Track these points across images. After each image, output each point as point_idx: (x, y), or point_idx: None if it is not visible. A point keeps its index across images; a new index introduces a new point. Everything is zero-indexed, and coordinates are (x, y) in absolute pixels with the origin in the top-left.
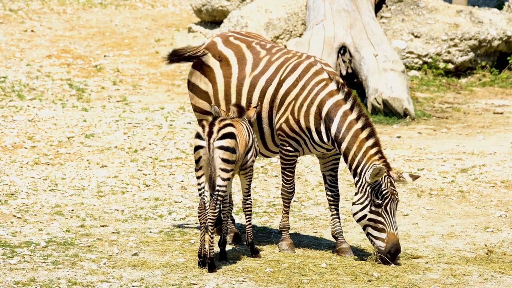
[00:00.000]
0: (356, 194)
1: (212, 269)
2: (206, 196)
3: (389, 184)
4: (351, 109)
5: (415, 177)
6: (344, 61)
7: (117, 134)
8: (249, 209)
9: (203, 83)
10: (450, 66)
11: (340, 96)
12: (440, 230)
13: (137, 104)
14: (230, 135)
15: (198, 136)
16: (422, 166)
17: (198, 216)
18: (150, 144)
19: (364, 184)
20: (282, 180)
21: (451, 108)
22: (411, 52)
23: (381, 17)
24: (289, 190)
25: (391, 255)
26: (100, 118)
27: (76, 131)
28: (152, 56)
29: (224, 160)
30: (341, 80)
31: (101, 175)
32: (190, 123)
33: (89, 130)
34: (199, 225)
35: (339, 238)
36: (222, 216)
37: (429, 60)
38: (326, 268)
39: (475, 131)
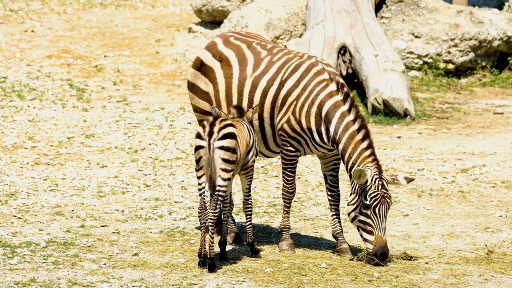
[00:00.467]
0: (350, 194)
1: (212, 269)
2: (207, 196)
3: (379, 186)
4: (349, 110)
5: (409, 180)
6: (344, 61)
7: (117, 134)
8: (250, 209)
9: (203, 84)
10: (451, 66)
11: (339, 97)
12: (440, 230)
13: (137, 104)
14: (231, 135)
15: (198, 136)
16: (422, 166)
17: (199, 216)
18: (150, 144)
19: (356, 186)
20: (283, 180)
21: (452, 108)
22: (411, 52)
23: (382, 17)
24: (289, 190)
25: (377, 258)
26: (100, 118)
27: (76, 131)
28: (153, 56)
29: (224, 160)
30: (341, 80)
31: (101, 175)
32: (190, 123)
33: (89, 130)
34: (199, 225)
35: (339, 238)
36: (222, 216)
37: (429, 60)
38: (326, 268)
39: (475, 131)
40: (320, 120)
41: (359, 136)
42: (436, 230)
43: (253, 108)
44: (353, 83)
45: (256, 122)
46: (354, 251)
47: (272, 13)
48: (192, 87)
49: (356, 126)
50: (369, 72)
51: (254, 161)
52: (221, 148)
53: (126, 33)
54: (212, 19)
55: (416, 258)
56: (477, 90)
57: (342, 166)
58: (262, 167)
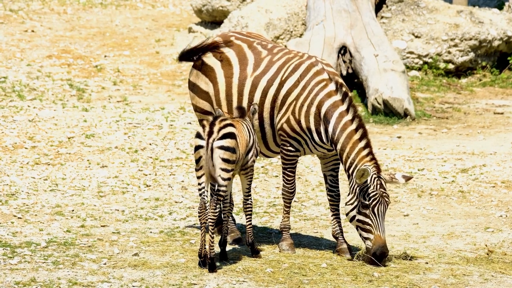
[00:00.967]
0: (348, 194)
1: (212, 269)
2: (207, 196)
3: (378, 186)
4: (347, 110)
5: (408, 178)
6: (344, 61)
7: (117, 134)
8: (250, 209)
9: (203, 83)
10: (451, 66)
11: (338, 97)
12: (440, 230)
13: (137, 104)
14: (231, 135)
15: (198, 135)
16: (422, 166)
17: (199, 216)
18: (150, 144)
19: (355, 185)
20: (283, 180)
21: (452, 108)
22: (411, 52)
23: (382, 17)
24: (290, 190)
25: (376, 257)
26: (100, 118)
27: (76, 131)
28: (153, 56)
29: (224, 160)
30: (340, 80)
31: (101, 175)
32: (190, 123)
33: (90, 130)
34: (199, 225)
35: (339, 238)
36: (222, 216)
37: (430, 60)
38: (327, 268)
39: (475, 131)
40: (319, 120)
41: (357, 135)
42: (436, 230)
43: (249, 106)
44: (353, 83)
45: (256, 122)
46: (354, 251)
47: (272, 13)
48: (193, 87)
49: (354, 125)
50: (369, 72)
51: (254, 161)
52: (221, 148)
53: (126, 33)
54: (212, 19)
55: (416, 258)
56: (477, 90)
57: (341, 166)
58: (262, 167)
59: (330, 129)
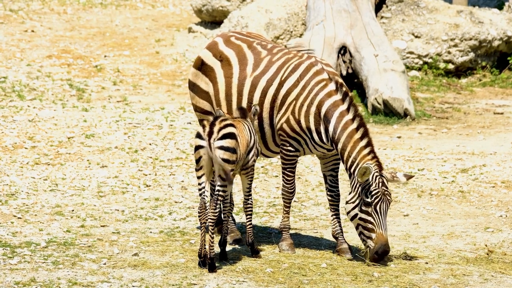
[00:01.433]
0: (350, 193)
1: (212, 269)
2: (207, 196)
3: (380, 184)
4: (348, 109)
5: (409, 177)
6: (344, 61)
7: (117, 134)
8: (250, 209)
9: (204, 83)
10: (451, 66)
11: (338, 96)
12: (440, 230)
13: (137, 104)
14: (231, 135)
15: (198, 135)
16: (422, 166)
17: (199, 216)
18: (150, 144)
19: (356, 184)
20: (283, 180)
21: (452, 108)
22: (411, 52)
23: (382, 17)
24: (289, 190)
25: (378, 255)
26: (100, 118)
27: (76, 131)
28: (153, 56)
29: (224, 160)
30: (340, 80)
31: (101, 175)
32: (190, 123)
33: (90, 130)
34: (199, 225)
35: (339, 238)
36: (222, 216)
37: (430, 60)
38: (327, 268)
39: (475, 131)
40: (319, 120)
41: (358, 134)
42: (436, 230)
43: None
44: (353, 83)
45: (255, 122)
46: (354, 251)
47: (272, 13)
48: (193, 87)
49: (355, 125)
50: (369, 72)
51: (254, 161)
52: (221, 148)
53: (126, 33)
54: (212, 19)
55: (416, 258)
56: (477, 90)
57: (342, 166)
58: (262, 167)
59: (330, 129)
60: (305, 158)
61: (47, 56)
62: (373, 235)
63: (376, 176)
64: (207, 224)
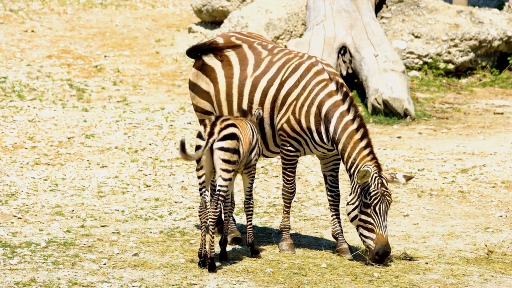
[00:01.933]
0: (350, 194)
1: (212, 269)
2: (207, 196)
3: (379, 185)
4: (348, 110)
5: (408, 178)
6: (344, 62)
7: (117, 134)
8: (251, 209)
9: (204, 83)
10: (451, 66)
11: (338, 96)
12: (440, 230)
13: (137, 104)
14: (231, 136)
15: (199, 135)
16: (422, 167)
17: (199, 216)
18: (150, 144)
19: (356, 185)
20: (283, 180)
21: (452, 109)
22: (411, 53)
23: (382, 17)
24: (290, 190)
25: (379, 256)
26: (100, 118)
27: (76, 132)
28: (153, 56)
29: (224, 160)
30: (341, 80)
31: (101, 175)
32: (190, 123)
33: (90, 131)
34: (199, 225)
35: (339, 238)
36: (223, 217)
37: (430, 61)
38: (327, 269)
39: (475, 131)
40: (319, 120)
41: (358, 135)
42: (436, 230)
43: (255, 113)
44: (353, 83)
45: (256, 122)
46: (354, 251)
47: (272, 13)
48: (193, 87)
49: (355, 125)
50: (369, 72)
51: (256, 160)
52: (221, 149)
53: (126, 33)
54: (212, 19)
55: (416, 258)
56: (477, 90)
57: (342, 166)
58: (262, 167)
59: (331, 129)
60: (305, 158)
61: (47, 56)
62: (374, 236)
63: (376, 177)
64: (207, 224)
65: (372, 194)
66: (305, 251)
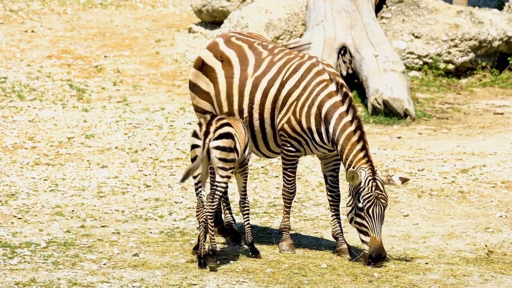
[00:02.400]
0: (348, 196)
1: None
2: (204, 196)
3: (373, 188)
4: (347, 111)
5: (404, 180)
6: (344, 62)
7: (117, 134)
8: (247, 208)
9: (204, 84)
10: (451, 66)
11: (338, 97)
12: (440, 230)
13: (137, 104)
14: (227, 135)
15: (195, 135)
16: (422, 167)
17: (197, 216)
18: (150, 144)
19: (352, 187)
20: (283, 181)
21: (452, 109)
22: (411, 53)
23: (382, 17)
24: (290, 191)
25: (372, 259)
26: (100, 118)
27: (76, 132)
28: (153, 56)
29: (221, 159)
30: (341, 81)
31: (101, 175)
32: (190, 123)
33: (90, 131)
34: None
35: (339, 238)
36: (224, 217)
37: (430, 61)
38: (327, 269)
39: (475, 131)
40: (320, 121)
41: (355, 137)
42: (436, 231)
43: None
44: (353, 83)
45: (256, 123)
46: (354, 251)
47: (272, 13)
48: (193, 87)
49: (353, 127)
50: (369, 73)
51: (249, 159)
52: (217, 148)
53: (126, 34)
54: (212, 20)
55: (416, 258)
56: (477, 91)
57: (342, 167)
58: (262, 167)
59: (330, 130)
60: (305, 158)
61: (47, 56)
62: (367, 239)
63: (369, 180)
64: (205, 219)
65: (365, 197)
66: (305, 251)
